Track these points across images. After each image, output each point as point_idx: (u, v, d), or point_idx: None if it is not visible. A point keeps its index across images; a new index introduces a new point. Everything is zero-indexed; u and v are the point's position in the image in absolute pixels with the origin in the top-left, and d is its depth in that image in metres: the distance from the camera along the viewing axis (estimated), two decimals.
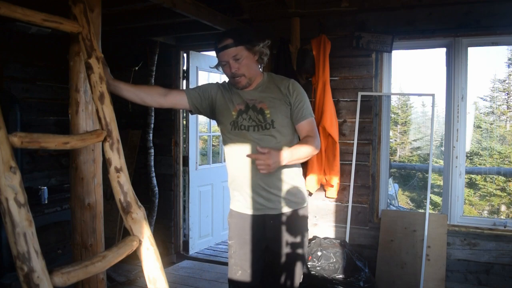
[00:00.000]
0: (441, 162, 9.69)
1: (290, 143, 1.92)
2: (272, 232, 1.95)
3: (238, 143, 1.92)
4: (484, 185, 12.74)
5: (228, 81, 2.01)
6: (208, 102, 2.00)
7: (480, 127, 15.80)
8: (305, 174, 3.11)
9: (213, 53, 4.29)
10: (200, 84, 4.10)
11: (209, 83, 2.08)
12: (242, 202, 1.98)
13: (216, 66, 1.98)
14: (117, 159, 1.47)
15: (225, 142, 2.00)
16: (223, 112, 1.97)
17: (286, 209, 1.94)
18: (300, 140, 1.96)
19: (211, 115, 2.05)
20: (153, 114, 3.91)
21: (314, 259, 2.92)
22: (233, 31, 1.96)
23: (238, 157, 1.93)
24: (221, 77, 4.40)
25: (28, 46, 3.64)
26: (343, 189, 3.25)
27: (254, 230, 1.96)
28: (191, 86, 4.00)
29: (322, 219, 3.33)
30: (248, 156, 1.83)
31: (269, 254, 1.99)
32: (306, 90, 3.20)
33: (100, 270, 1.25)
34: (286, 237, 1.94)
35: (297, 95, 1.95)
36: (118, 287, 3.39)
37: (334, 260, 2.87)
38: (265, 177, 1.88)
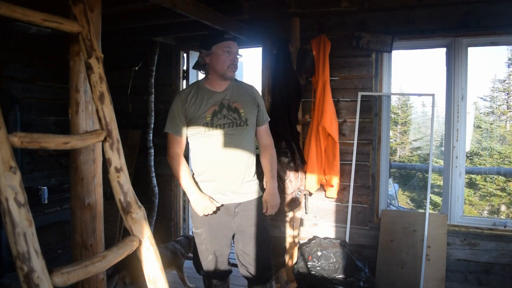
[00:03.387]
0: (441, 162, 9.69)
1: (252, 137, 2.21)
2: (240, 218, 2.15)
3: (212, 140, 2.09)
4: (484, 185, 12.75)
5: (201, 81, 2.19)
6: (185, 121, 2.14)
7: (480, 127, 15.82)
8: (305, 174, 3.11)
9: None
10: None
11: (179, 102, 2.14)
12: (210, 193, 2.12)
13: (204, 57, 2.11)
14: (117, 159, 1.47)
15: (196, 141, 2.14)
16: (195, 116, 2.10)
17: (250, 197, 2.18)
18: (259, 142, 2.30)
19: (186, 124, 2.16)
20: (153, 114, 3.91)
21: (314, 259, 2.92)
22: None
23: (211, 152, 2.10)
24: None
25: (28, 46, 3.64)
26: (343, 189, 3.24)
27: (222, 217, 2.14)
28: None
29: (322, 219, 3.34)
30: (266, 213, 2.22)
31: (242, 239, 2.18)
32: (306, 90, 3.24)
33: (100, 270, 1.25)
34: (256, 221, 2.18)
35: (260, 99, 2.25)
36: None
37: (334, 260, 2.87)
38: (236, 170, 2.12)
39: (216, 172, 2.11)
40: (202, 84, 2.17)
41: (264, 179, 2.36)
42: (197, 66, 2.24)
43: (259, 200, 2.22)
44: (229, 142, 2.09)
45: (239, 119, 2.11)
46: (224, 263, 2.24)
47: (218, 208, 2.12)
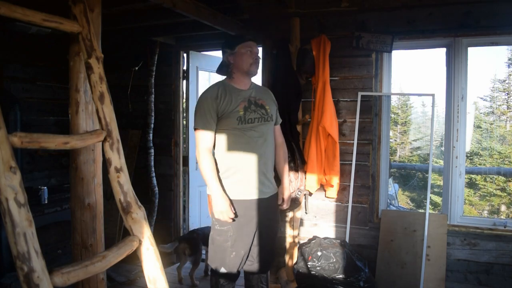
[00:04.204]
0: (441, 162, 9.69)
1: (273, 133, 2.34)
2: (263, 213, 2.24)
3: (245, 134, 2.17)
4: (484, 185, 12.74)
5: (225, 81, 2.29)
6: (216, 117, 2.17)
7: (480, 127, 15.80)
8: (305, 174, 3.11)
9: (213, 53, 4.31)
10: (200, 84, 4.11)
11: (209, 98, 2.19)
12: (236, 190, 2.18)
13: (228, 56, 2.25)
14: (117, 159, 1.47)
15: (227, 136, 2.18)
16: (228, 111, 2.16)
17: (274, 191, 2.33)
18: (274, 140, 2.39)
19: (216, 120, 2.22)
20: (153, 114, 3.91)
21: (314, 259, 2.92)
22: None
23: (245, 146, 2.17)
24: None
25: (28, 46, 3.63)
26: (343, 189, 3.24)
27: (250, 214, 2.21)
28: (191, 86, 4.00)
29: (322, 219, 3.33)
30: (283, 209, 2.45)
31: (258, 235, 2.25)
32: (306, 90, 3.24)
33: (100, 270, 1.25)
34: (274, 216, 2.35)
35: (276, 101, 2.42)
36: (118, 287, 3.39)
37: (334, 260, 2.87)
38: (266, 164, 2.24)
39: (249, 166, 2.18)
40: (227, 83, 2.27)
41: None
42: (221, 70, 2.33)
43: (276, 195, 2.38)
44: (260, 137, 2.20)
45: (266, 114, 2.24)
46: (244, 261, 2.28)
47: (233, 219, 2.17)
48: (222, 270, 2.25)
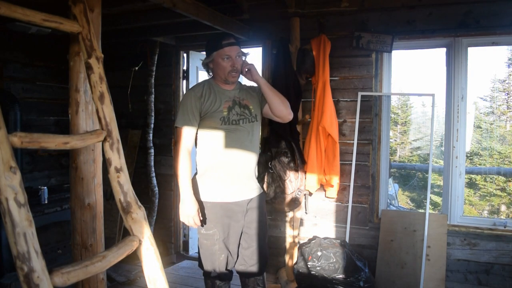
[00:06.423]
0: (441, 162, 9.69)
1: (259, 133, 2.35)
2: (249, 215, 2.23)
3: (229, 135, 2.15)
4: (484, 185, 12.74)
5: (211, 80, 2.25)
6: (198, 116, 2.15)
7: (480, 127, 15.79)
8: (305, 174, 3.11)
9: None
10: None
11: (193, 96, 2.16)
12: (220, 191, 2.17)
13: (207, 63, 2.20)
14: (117, 159, 1.47)
15: (210, 136, 2.15)
16: (211, 111, 2.14)
17: (258, 192, 2.29)
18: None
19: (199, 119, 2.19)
20: (153, 114, 3.91)
21: (314, 259, 2.92)
22: (233, 34, 2.31)
23: (226, 147, 2.15)
24: None
25: (28, 46, 3.63)
26: (343, 189, 3.24)
27: (235, 216, 2.19)
28: (190, 86, 4.00)
29: (322, 219, 3.33)
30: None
31: (246, 236, 2.25)
32: (306, 90, 3.25)
33: (100, 270, 1.25)
34: (260, 217, 2.29)
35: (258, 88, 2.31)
36: (118, 287, 3.39)
37: (334, 260, 2.87)
38: (250, 165, 2.22)
39: (233, 167, 2.16)
40: (213, 82, 2.24)
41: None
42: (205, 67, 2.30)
43: (262, 196, 2.34)
44: (244, 138, 2.18)
45: (250, 115, 2.22)
46: (233, 262, 2.28)
47: (201, 225, 2.17)
48: (214, 273, 2.24)
